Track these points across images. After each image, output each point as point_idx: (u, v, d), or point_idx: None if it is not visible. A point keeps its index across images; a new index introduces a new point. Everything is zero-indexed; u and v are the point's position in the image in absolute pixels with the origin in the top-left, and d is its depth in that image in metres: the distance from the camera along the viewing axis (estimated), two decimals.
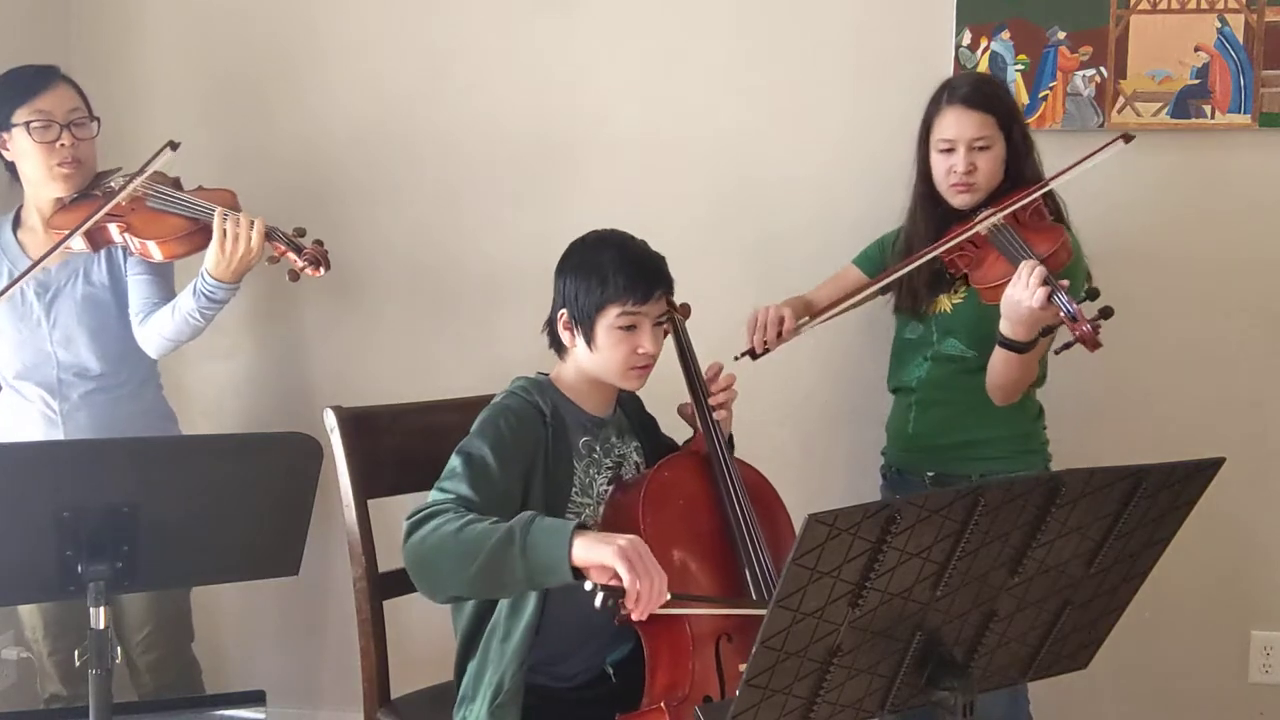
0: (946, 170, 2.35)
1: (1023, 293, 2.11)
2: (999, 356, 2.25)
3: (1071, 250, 2.29)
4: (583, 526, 1.76)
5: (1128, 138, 2.36)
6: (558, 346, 2.12)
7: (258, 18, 2.98)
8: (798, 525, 1.30)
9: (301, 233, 2.49)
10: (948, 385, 2.43)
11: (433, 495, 1.92)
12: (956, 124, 2.33)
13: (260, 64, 2.99)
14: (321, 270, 2.44)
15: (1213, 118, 2.70)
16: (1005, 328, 2.19)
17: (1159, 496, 1.52)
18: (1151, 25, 2.69)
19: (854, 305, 2.45)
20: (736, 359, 2.35)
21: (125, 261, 2.54)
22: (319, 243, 2.47)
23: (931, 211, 2.42)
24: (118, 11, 3.01)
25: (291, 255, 2.44)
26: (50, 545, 1.74)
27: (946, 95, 2.37)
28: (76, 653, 1.82)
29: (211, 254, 2.41)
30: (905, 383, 2.51)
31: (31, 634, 2.61)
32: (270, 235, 2.43)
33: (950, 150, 2.34)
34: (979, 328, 2.36)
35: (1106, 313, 2.11)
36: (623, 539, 1.72)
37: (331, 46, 2.97)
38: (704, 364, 2.24)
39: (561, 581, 1.75)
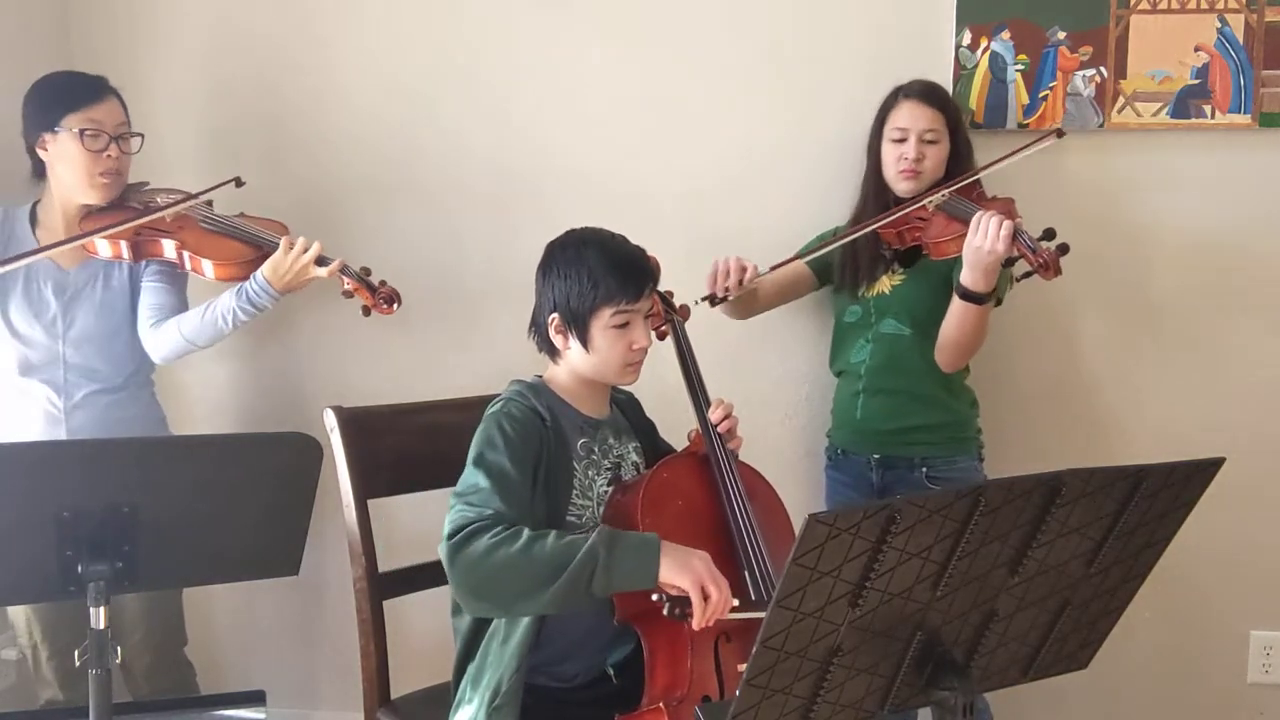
0: (897, 158, 2.55)
1: (984, 239, 2.28)
2: (956, 309, 2.40)
3: (1019, 217, 2.42)
4: (660, 540, 1.85)
5: (1060, 133, 2.61)
6: (549, 349, 2.11)
7: (258, 20, 2.98)
8: (797, 525, 1.30)
9: (368, 272, 2.56)
10: (891, 372, 2.58)
11: (461, 512, 1.90)
12: (911, 115, 2.55)
13: (261, 68, 2.98)
14: (395, 308, 2.53)
15: (1213, 118, 2.70)
16: (966, 278, 2.34)
17: (1159, 496, 1.52)
18: (1151, 25, 2.69)
19: (814, 257, 2.59)
20: (697, 303, 2.43)
21: (144, 269, 2.56)
22: (384, 283, 2.54)
23: (880, 199, 2.60)
24: (117, 13, 3.01)
25: (365, 293, 2.52)
26: (50, 545, 1.74)
27: (903, 91, 2.59)
28: (76, 653, 1.81)
29: (274, 259, 2.48)
30: (851, 366, 2.64)
31: (27, 639, 2.60)
32: (344, 271, 2.51)
33: (902, 140, 2.54)
34: (915, 307, 2.55)
35: (1064, 249, 2.26)
36: (696, 559, 1.84)
37: (333, 50, 2.97)
38: (703, 366, 2.24)
39: (642, 589, 1.85)
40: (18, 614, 2.62)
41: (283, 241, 2.49)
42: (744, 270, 2.45)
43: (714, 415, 2.15)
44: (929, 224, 2.47)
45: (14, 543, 1.74)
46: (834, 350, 2.72)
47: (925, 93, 2.56)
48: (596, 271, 2.01)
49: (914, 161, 2.52)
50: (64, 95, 2.48)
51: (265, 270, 2.48)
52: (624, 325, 2.03)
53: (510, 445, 1.97)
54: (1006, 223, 2.26)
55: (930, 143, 2.53)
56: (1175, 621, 2.82)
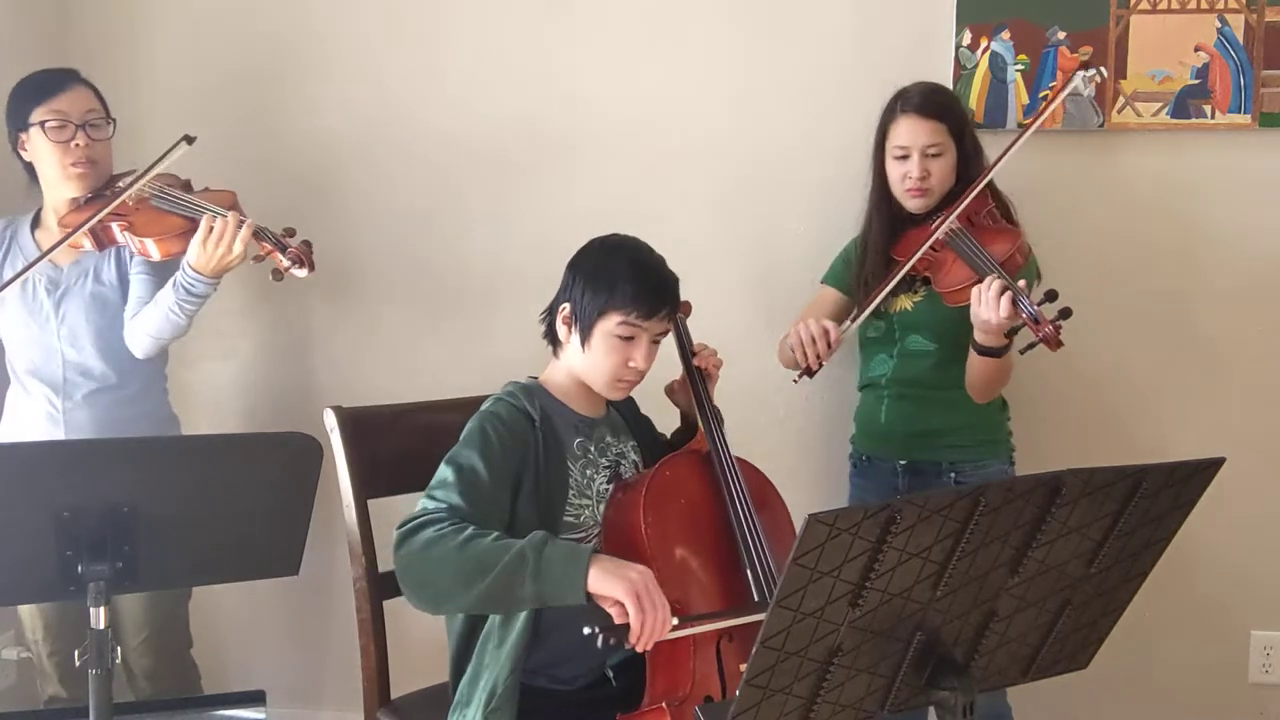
0: (902, 176, 2.46)
1: (988, 311, 2.21)
2: (977, 362, 2.35)
3: (1027, 252, 2.40)
4: (595, 551, 1.80)
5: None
6: (553, 338, 2.12)
7: (257, 16, 2.98)
8: (798, 525, 1.30)
9: (291, 233, 2.49)
10: (916, 380, 2.52)
11: (422, 503, 1.92)
12: (910, 132, 2.44)
13: (260, 63, 2.99)
14: (305, 270, 2.44)
15: (1213, 118, 2.70)
16: (979, 338, 2.29)
17: (1159, 496, 1.52)
18: (1151, 25, 2.69)
19: (866, 313, 2.44)
20: (795, 381, 2.41)
21: (130, 262, 2.55)
22: (306, 243, 2.47)
23: (887, 216, 2.52)
24: (116, 11, 3.01)
25: (277, 255, 2.44)
26: (50, 545, 1.74)
27: (900, 104, 2.47)
28: (76, 653, 1.81)
29: (193, 247, 2.41)
30: (873, 379, 2.59)
31: (32, 634, 2.61)
32: (258, 235, 2.44)
33: (905, 157, 2.45)
34: (941, 323, 2.47)
35: (1065, 313, 2.19)
36: (634, 571, 1.76)
37: (331, 46, 2.97)
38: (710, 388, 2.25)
39: (572, 604, 1.78)
40: (23, 610, 2.62)
41: (201, 227, 2.40)
42: (827, 333, 2.33)
43: (698, 360, 2.20)
44: (939, 258, 2.39)
45: (14, 543, 1.74)
46: (859, 365, 2.65)
47: (923, 104, 2.44)
48: (618, 277, 2.02)
49: (919, 180, 2.43)
50: (30, 92, 2.48)
51: (190, 258, 2.42)
52: (627, 338, 2.03)
53: (487, 445, 1.97)
54: (1004, 297, 2.18)
55: (934, 156, 2.43)
56: (1175, 621, 2.82)
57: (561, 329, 2.08)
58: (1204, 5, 2.67)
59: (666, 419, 2.33)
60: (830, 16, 2.81)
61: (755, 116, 2.86)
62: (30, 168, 2.54)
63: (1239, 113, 2.69)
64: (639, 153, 2.90)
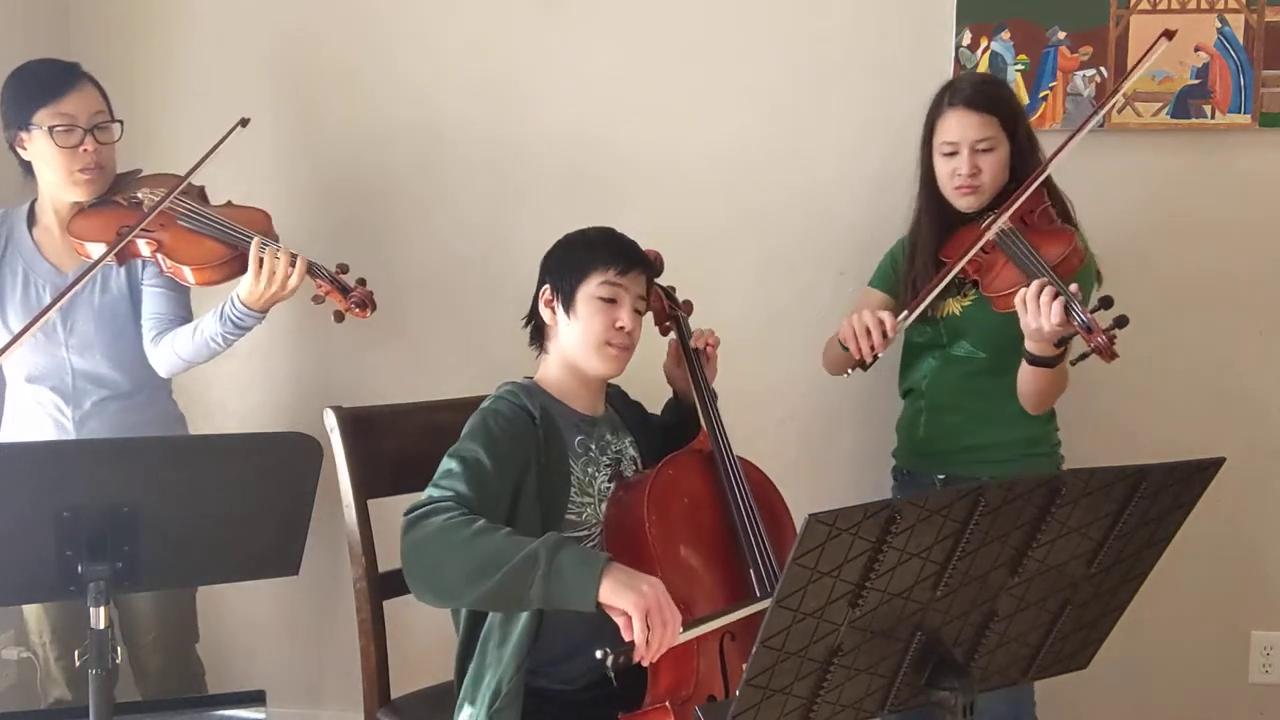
0: (950, 173, 2.32)
1: (1038, 319, 2.08)
2: (1029, 372, 2.23)
3: (1083, 254, 2.26)
4: (610, 560, 1.76)
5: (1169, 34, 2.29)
6: (539, 336, 2.15)
7: (260, 13, 2.98)
8: (798, 525, 1.30)
9: (344, 269, 2.39)
10: (957, 389, 2.41)
11: (428, 493, 1.92)
12: (959, 126, 2.30)
13: (258, 66, 2.98)
14: (369, 313, 2.35)
15: (1213, 118, 2.70)
16: (1031, 347, 2.17)
17: (1159, 497, 1.52)
18: (1152, 25, 2.69)
19: (919, 310, 2.30)
20: (849, 374, 2.27)
21: (142, 271, 2.48)
22: (362, 282, 2.37)
23: (937, 215, 2.39)
24: (119, 9, 3.01)
25: (337, 295, 2.36)
26: (50, 545, 1.74)
27: (949, 97, 2.34)
28: (76, 653, 1.81)
29: (246, 283, 2.32)
30: (915, 383, 2.49)
31: (38, 638, 2.58)
32: (313, 272, 2.34)
33: (954, 153, 2.31)
34: (989, 330, 2.34)
35: (1121, 321, 2.05)
36: (645, 584, 1.73)
37: (331, 52, 2.97)
38: (710, 373, 2.25)
39: (579, 611, 1.74)
40: (29, 613, 2.60)
41: (251, 263, 2.31)
42: (883, 323, 2.19)
43: (695, 341, 2.23)
44: (989, 260, 2.25)
45: (14, 543, 1.74)
46: (901, 370, 2.54)
47: (973, 97, 2.30)
48: (590, 244, 2.11)
49: (969, 176, 2.29)
50: (32, 90, 2.35)
51: (241, 293, 2.33)
52: (610, 300, 2.06)
53: (491, 439, 1.97)
54: (1056, 303, 2.04)
55: (985, 152, 2.29)
56: (1175, 621, 2.82)
57: (545, 312, 2.11)
58: (1204, 5, 2.67)
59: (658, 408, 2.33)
60: (830, 17, 2.81)
61: (755, 118, 2.85)
62: (26, 163, 2.43)
63: (1239, 113, 2.69)
64: (638, 154, 2.90)
